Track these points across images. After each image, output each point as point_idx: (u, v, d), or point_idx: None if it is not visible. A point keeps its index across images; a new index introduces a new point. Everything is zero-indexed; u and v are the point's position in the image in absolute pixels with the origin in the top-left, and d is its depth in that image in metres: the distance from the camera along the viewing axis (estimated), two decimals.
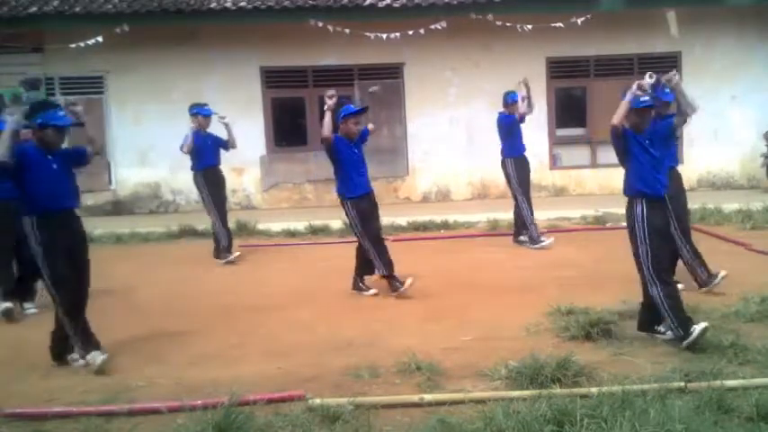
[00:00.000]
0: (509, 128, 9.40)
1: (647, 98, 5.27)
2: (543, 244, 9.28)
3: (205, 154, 9.18)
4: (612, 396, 4.01)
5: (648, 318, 5.42)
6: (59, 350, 5.36)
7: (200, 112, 9.26)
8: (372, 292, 7.22)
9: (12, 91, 13.36)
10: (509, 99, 9.44)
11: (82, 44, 12.53)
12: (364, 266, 7.31)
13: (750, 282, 6.82)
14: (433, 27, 12.81)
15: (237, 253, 9.34)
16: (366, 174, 7.27)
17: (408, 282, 7.04)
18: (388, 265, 7.14)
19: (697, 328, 5.04)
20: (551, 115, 14.31)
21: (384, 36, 12.78)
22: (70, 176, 5.52)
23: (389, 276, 7.13)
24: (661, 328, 5.32)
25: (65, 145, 5.81)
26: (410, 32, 12.79)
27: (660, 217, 5.29)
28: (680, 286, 6.53)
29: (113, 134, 13.97)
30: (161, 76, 13.60)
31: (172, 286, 8.15)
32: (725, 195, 12.90)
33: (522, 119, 9.40)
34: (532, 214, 9.44)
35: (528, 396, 4.14)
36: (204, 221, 10.51)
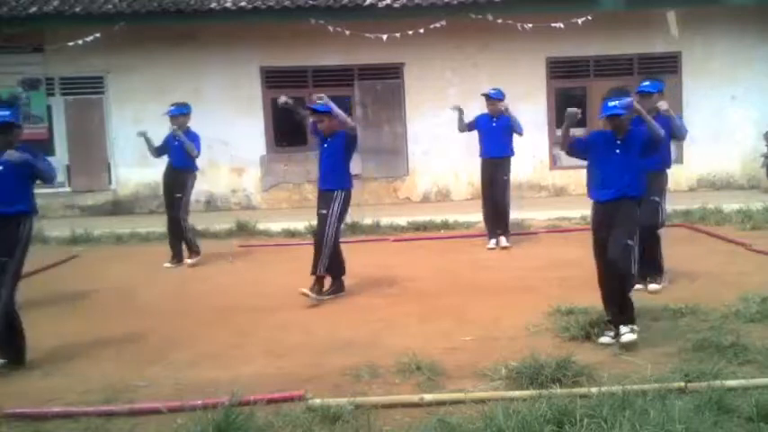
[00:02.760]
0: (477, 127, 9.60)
1: (615, 103, 5.33)
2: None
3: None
4: (612, 396, 4.01)
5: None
6: None
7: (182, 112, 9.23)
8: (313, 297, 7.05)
9: (10, 91, 13.38)
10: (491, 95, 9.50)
11: (80, 42, 12.52)
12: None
13: (750, 282, 6.83)
14: (432, 26, 12.82)
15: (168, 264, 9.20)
16: (322, 171, 7.23)
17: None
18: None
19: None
20: (551, 115, 14.30)
21: (384, 36, 12.77)
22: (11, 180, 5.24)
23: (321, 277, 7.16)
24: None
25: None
26: (410, 32, 12.79)
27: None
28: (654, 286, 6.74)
29: (113, 134, 13.97)
30: (161, 76, 13.60)
31: (172, 286, 8.15)
32: (725, 195, 12.89)
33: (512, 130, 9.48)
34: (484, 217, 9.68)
35: (528, 396, 4.14)
36: (205, 221, 10.56)
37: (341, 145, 7.16)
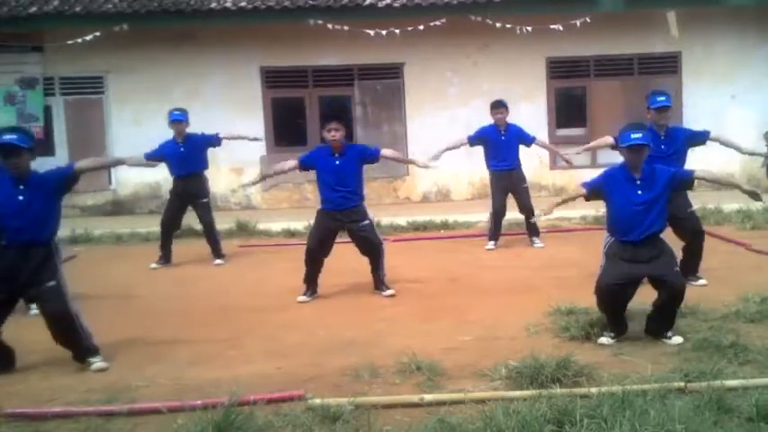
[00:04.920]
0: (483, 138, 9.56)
1: (638, 134, 5.26)
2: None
3: None
4: (612, 396, 4.01)
5: (656, 324, 5.44)
6: None
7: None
8: (389, 292, 7.21)
9: (7, 89, 13.38)
10: (503, 103, 9.48)
11: (79, 40, 12.51)
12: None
13: (750, 282, 6.83)
14: (432, 24, 12.84)
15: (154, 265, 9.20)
16: (343, 191, 7.04)
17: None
18: (305, 281, 7.20)
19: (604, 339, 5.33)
20: (551, 115, 14.31)
21: (384, 32, 12.75)
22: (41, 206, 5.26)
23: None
24: (668, 334, 5.33)
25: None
26: (409, 29, 12.77)
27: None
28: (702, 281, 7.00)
29: (113, 134, 13.97)
30: (161, 76, 13.60)
31: (171, 286, 8.16)
32: (725, 195, 12.86)
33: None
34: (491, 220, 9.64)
35: (528, 396, 4.13)
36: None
37: (358, 160, 7.14)
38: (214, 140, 9.34)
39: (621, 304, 5.35)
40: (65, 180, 5.39)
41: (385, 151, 7.57)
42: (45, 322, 5.33)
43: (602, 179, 5.54)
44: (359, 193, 7.19)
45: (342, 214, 7.10)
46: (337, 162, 7.03)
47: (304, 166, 7.29)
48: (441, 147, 9.30)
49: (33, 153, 5.30)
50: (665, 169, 5.52)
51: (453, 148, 9.54)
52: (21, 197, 5.18)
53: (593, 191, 5.56)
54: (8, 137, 5.13)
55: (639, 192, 5.32)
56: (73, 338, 5.30)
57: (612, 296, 5.31)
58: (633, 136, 5.27)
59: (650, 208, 5.30)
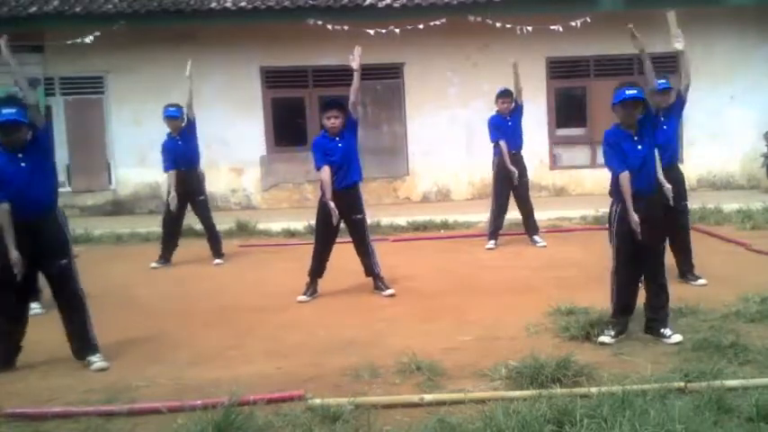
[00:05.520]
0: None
1: (633, 90, 5.31)
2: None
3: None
4: (612, 396, 4.00)
5: (653, 321, 5.43)
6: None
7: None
8: (389, 291, 7.20)
9: (5, 89, 13.35)
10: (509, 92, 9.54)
11: (79, 40, 12.51)
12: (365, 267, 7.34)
13: (750, 282, 6.82)
14: (432, 23, 12.85)
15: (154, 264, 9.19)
16: (343, 170, 7.02)
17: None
18: (313, 272, 7.21)
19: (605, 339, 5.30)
20: (551, 115, 14.33)
21: (384, 30, 12.74)
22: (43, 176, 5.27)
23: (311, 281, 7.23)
24: (667, 332, 5.32)
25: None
26: (409, 27, 12.78)
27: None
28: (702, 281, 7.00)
29: (113, 134, 13.98)
30: (161, 76, 13.57)
31: (171, 286, 8.16)
32: (725, 195, 12.90)
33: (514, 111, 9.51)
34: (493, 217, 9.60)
35: (528, 396, 4.13)
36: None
37: (353, 136, 7.14)
38: (193, 120, 9.26)
39: (636, 256, 5.36)
40: (46, 135, 5.49)
41: (351, 103, 7.29)
42: (57, 303, 5.44)
43: (616, 147, 5.39)
44: (357, 169, 7.20)
45: (343, 194, 7.03)
46: (340, 144, 7.06)
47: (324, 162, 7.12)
48: (511, 169, 9.24)
49: (29, 124, 5.22)
50: (643, 119, 5.48)
51: (507, 158, 9.40)
52: (23, 164, 5.19)
53: (622, 161, 5.37)
54: (7, 111, 5.10)
55: (639, 146, 5.38)
56: (82, 321, 5.38)
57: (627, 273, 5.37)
58: (628, 92, 5.33)
59: (650, 158, 5.39)
